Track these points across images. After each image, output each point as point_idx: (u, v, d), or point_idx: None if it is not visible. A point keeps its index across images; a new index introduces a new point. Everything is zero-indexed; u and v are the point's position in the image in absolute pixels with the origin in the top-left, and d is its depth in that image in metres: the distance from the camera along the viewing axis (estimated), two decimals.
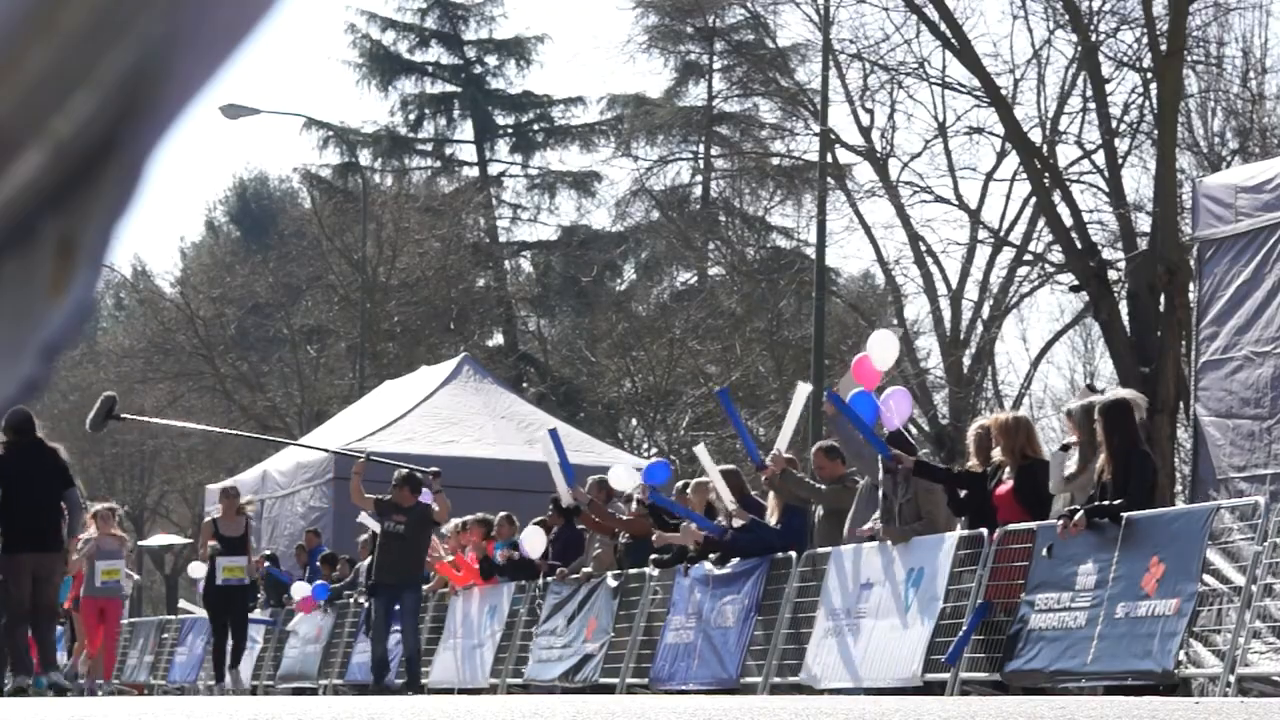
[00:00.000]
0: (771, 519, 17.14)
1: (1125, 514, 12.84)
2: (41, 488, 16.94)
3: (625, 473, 20.25)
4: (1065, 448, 13.87)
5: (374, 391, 35.57)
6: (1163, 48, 29.87)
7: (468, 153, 57.66)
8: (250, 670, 26.39)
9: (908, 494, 15.21)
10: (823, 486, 16.66)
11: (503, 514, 22.73)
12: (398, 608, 20.93)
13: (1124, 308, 30.41)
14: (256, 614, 26.97)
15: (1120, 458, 13.19)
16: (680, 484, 19.97)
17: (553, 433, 21.08)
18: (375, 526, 23.01)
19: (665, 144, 50.68)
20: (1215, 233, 15.37)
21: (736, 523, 17.24)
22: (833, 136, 35.75)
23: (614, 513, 20.01)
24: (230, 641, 23.08)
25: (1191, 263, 19.31)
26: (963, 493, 14.75)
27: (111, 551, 23.87)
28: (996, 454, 14.46)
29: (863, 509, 15.79)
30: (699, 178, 51.40)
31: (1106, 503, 12.97)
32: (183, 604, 28.07)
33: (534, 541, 20.53)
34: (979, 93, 34.32)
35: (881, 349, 16.15)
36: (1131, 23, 33.14)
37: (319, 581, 25.90)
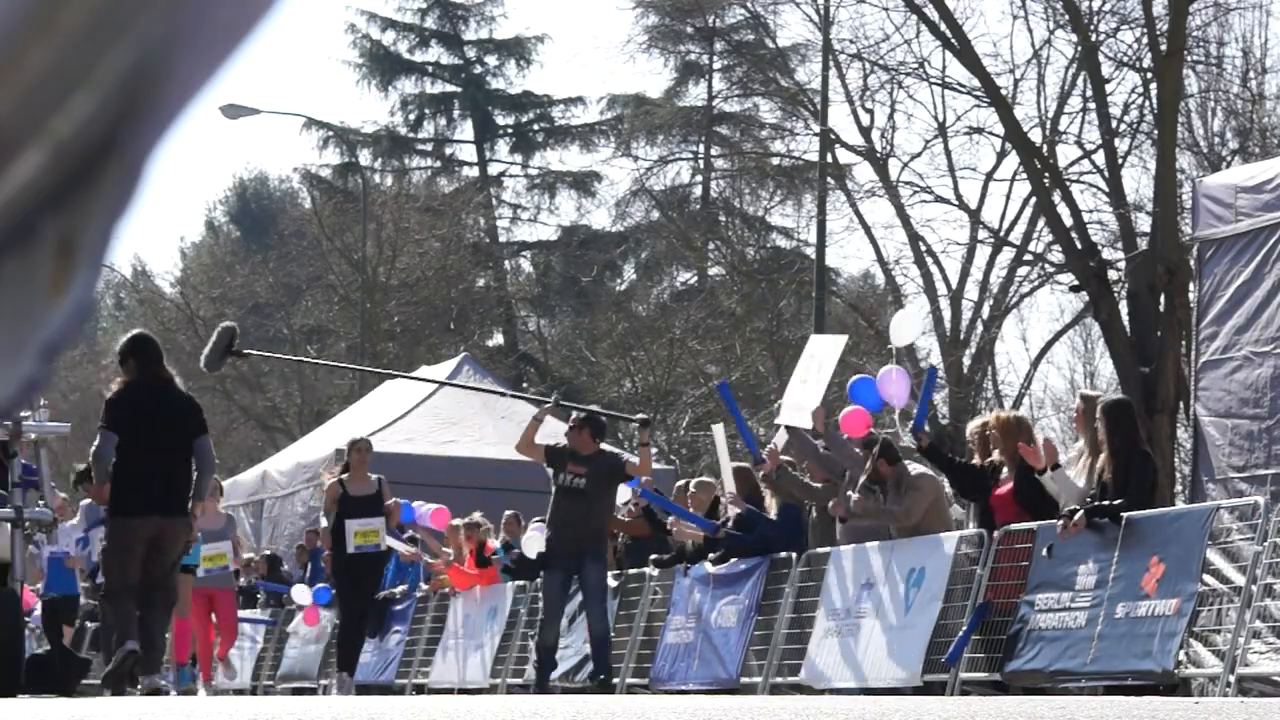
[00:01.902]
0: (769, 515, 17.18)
1: (1125, 514, 12.84)
2: (167, 436, 13.76)
3: None
4: (1056, 466, 13.89)
5: (374, 391, 35.59)
6: (1163, 48, 29.87)
7: (468, 153, 57.69)
8: (250, 670, 26.37)
9: (899, 494, 15.43)
10: (818, 485, 16.68)
11: (509, 513, 22.68)
12: (577, 584, 17.39)
13: (1124, 308, 30.41)
14: (256, 614, 26.77)
15: (1121, 457, 13.20)
16: (680, 483, 19.98)
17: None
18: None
19: (665, 144, 50.67)
20: (1215, 233, 15.37)
21: (733, 511, 17.26)
22: (833, 136, 35.75)
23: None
24: (360, 627, 19.91)
25: (1191, 263, 19.31)
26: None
27: (216, 532, 20.61)
28: (996, 454, 14.47)
29: (846, 491, 15.94)
30: (699, 178, 51.40)
31: (1106, 503, 12.98)
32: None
33: (534, 544, 20.45)
34: (979, 93, 34.31)
35: (902, 328, 17.16)
36: (1131, 23, 33.14)
37: (320, 585, 25.20)
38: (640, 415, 17.79)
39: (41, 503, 14.58)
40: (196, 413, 14.18)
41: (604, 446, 17.48)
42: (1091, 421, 13.64)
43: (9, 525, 14.24)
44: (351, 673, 19.65)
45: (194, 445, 13.92)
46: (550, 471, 17.27)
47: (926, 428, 15.87)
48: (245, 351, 18.09)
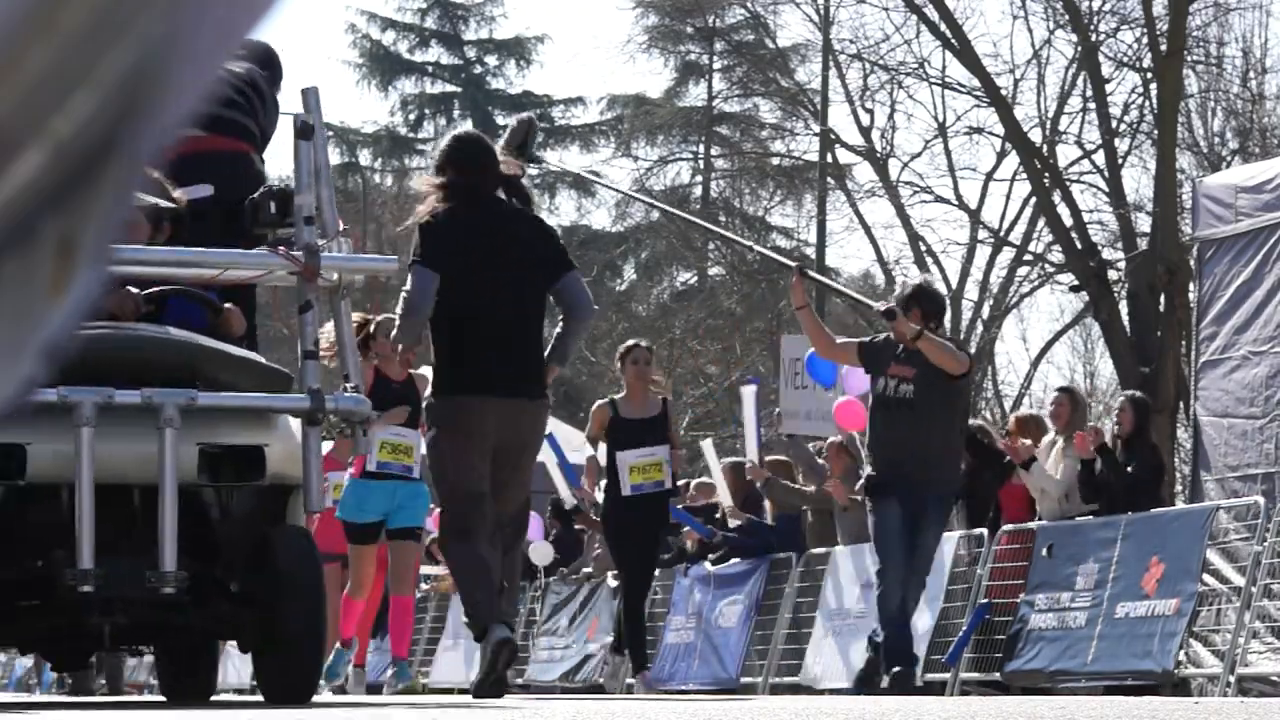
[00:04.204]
0: (768, 519, 17.18)
1: (1125, 514, 12.87)
2: (511, 280, 9.58)
3: None
4: (1033, 460, 13.93)
5: None
6: (1163, 48, 29.87)
7: None
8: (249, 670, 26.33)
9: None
10: (810, 489, 16.66)
11: None
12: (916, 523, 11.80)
13: (1124, 308, 30.40)
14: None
15: (1135, 449, 13.50)
16: (681, 482, 19.99)
17: (550, 437, 15.67)
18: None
19: (665, 144, 50.65)
20: (1215, 233, 15.36)
21: (733, 523, 17.21)
22: (833, 136, 35.77)
23: None
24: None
25: (1191, 263, 19.31)
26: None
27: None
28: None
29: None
30: (699, 178, 51.39)
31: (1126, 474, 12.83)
32: None
33: (541, 553, 20.25)
34: (979, 93, 34.30)
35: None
36: (1131, 23, 33.14)
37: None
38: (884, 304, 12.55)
39: (350, 386, 8.64)
40: (552, 240, 10.00)
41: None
42: (1074, 413, 13.95)
43: (298, 423, 8.42)
44: (642, 667, 15.24)
45: (557, 288, 9.73)
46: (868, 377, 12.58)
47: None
48: (537, 155, 13.40)
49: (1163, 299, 29.12)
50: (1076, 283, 31.62)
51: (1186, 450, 20.29)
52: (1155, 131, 31.62)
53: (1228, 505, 12.53)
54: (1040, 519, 14.00)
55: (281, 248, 8.54)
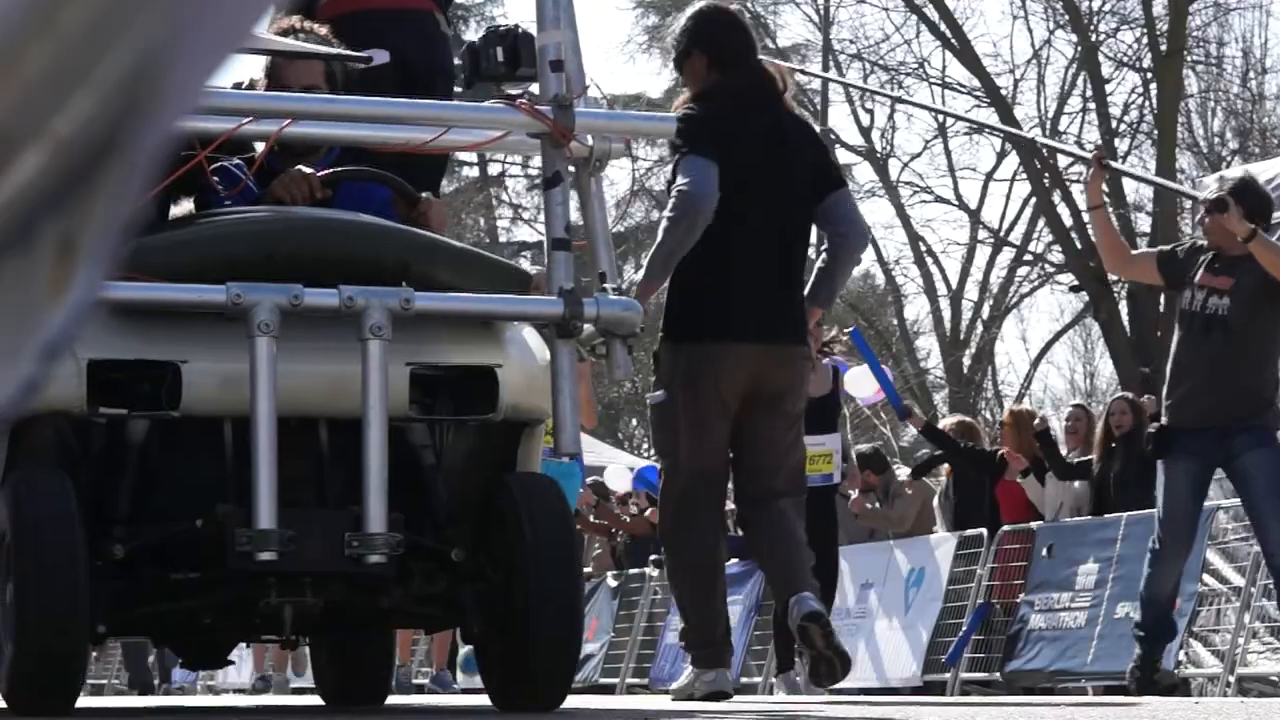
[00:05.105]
0: None
1: (1125, 514, 12.87)
2: (781, 194, 7.60)
3: (620, 473, 20.26)
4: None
5: None
6: (1163, 48, 29.89)
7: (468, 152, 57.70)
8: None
9: (888, 501, 15.58)
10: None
11: None
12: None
13: (1124, 308, 30.43)
14: None
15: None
16: None
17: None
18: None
19: (665, 144, 50.65)
20: None
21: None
22: (833, 136, 35.76)
23: (617, 514, 20.00)
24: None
25: None
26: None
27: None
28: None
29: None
30: None
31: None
32: None
33: None
34: (979, 93, 34.32)
35: (859, 383, 14.79)
36: (1131, 23, 33.16)
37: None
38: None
39: (610, 288, 6.16)
40: (823, 148, 8.19)
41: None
42: (1090, 433, 13.96)
43: (537, 339, 6.31)
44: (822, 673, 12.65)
45: (824, 207, 7.71)
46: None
47: (914, 408, 15.30)
48: None
49: (1163, 299, 29.14)
50: (1076, 283, 31.64)
51: None
52: (1155, 131, 31.64)
53: (1228, 505, 12.53)
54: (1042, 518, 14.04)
55: (523, 100, 6.20)
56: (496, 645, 6.03)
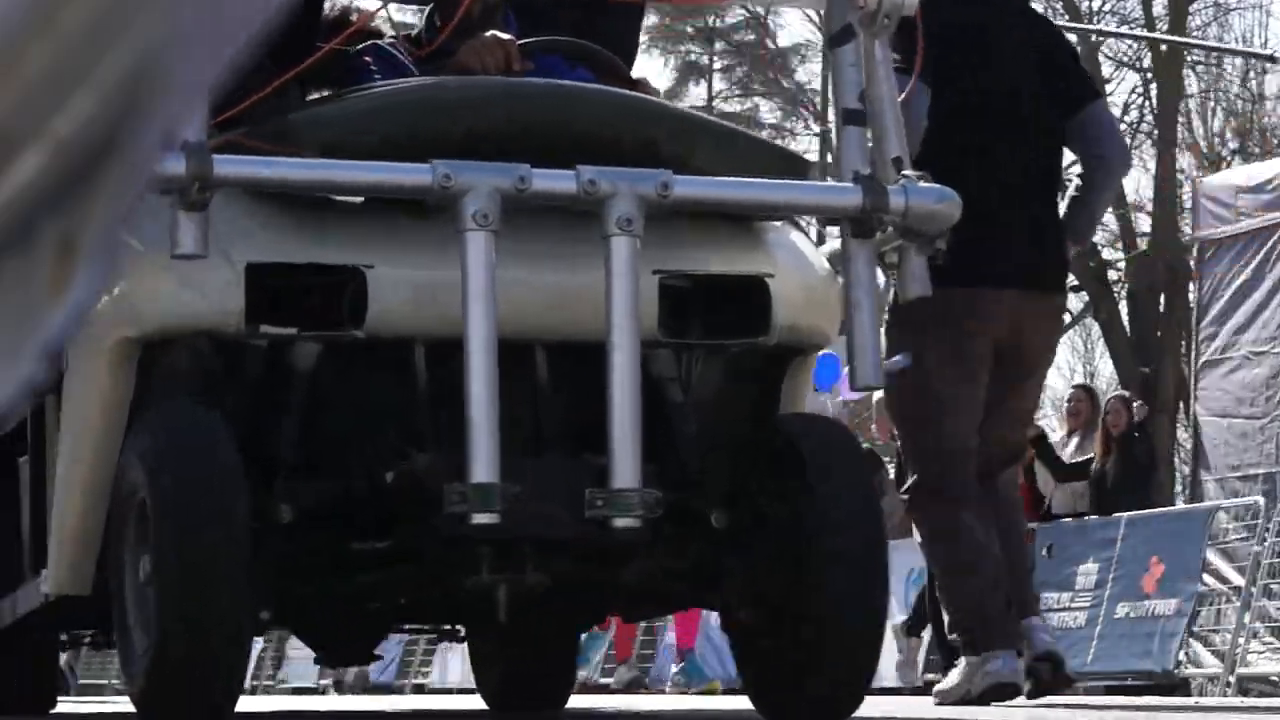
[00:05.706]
0: None
1: (1125, 514, 12.89)
2: (1033, 110, 6.41)
3: None
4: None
5: None
6: (1163, 48, 29.89)
7: None
8: (250, 671, 26.14)
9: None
10: None
11: None
12: None
13: (1124, 308, 30.43)
14: None
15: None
16: None
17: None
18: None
19: None
20: (1215, 233, 15.36)
21: None
22: (833, 137, 35.72)
23: None
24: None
25: (1191, 263, 19.32)
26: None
27: None
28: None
29: None
30: None
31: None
32: None
33: None
34: None
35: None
36: (1131, 23, 33.15)
37: None
38: None
39: (913, 175, 4.79)
40: (1075, 55, 7.07)
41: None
42: (1093, 413, 13.98)
43: (810, 246, 5.18)
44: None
45: (1077, 122, 6.48)
46: None
47: None
48: None
49: (1163, 299, 29.15)
50: (1076, 283, 31.64)
51: (1186, 450, 20.29)
52: (1155, 131, 31.64)
53: (1228, 505, 12.55)
54: (1049, 504, 14.08)
55: None
56: (767, 636, 4.59)
